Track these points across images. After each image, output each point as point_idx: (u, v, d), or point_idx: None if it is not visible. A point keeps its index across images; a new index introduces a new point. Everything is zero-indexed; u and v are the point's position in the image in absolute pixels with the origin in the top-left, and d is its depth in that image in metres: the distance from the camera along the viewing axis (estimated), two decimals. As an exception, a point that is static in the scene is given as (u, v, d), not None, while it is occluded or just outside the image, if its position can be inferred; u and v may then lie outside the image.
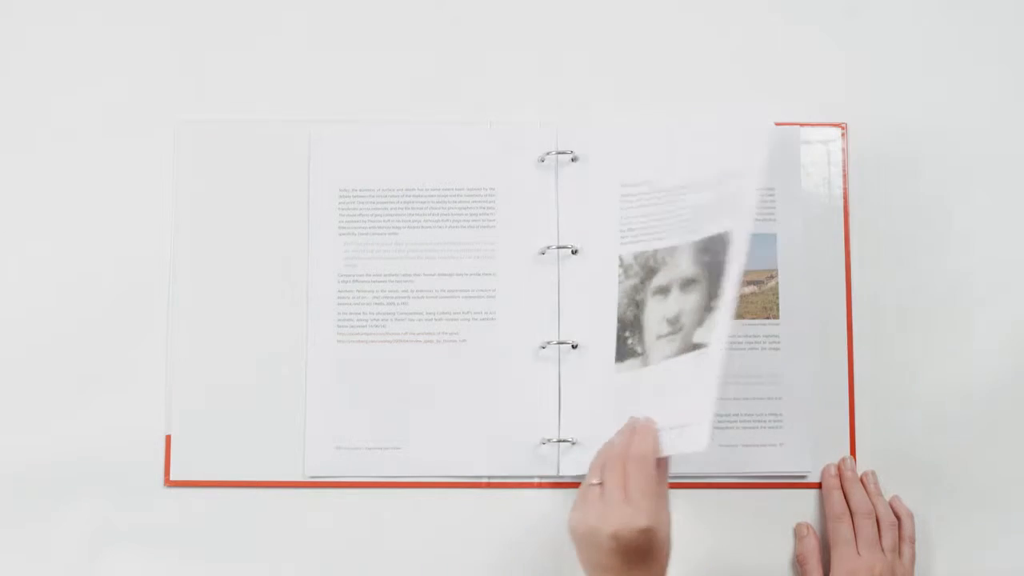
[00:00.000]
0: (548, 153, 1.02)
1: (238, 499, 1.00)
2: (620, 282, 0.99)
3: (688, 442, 0.89)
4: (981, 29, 1.06)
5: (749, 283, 1.01)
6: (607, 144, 1.02)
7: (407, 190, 1.02)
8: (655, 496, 0.86)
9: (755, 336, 1.01)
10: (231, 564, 1.00)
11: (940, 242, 1.03)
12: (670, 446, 0.89)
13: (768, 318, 1.01)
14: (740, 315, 1.01)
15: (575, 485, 1.00)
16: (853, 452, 1.01)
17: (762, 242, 1.01)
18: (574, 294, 1.01)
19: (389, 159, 1.02)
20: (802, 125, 1.04)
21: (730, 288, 0.89)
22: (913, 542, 0.98)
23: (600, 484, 0.87)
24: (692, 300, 0.93)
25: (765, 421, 1.00)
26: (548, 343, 1.00)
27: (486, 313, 1.01)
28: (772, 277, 1.01)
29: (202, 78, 1.04)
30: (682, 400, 0.91)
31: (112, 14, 1.04)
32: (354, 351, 1.00)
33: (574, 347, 1.00)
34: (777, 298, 1.01)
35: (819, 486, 1.00)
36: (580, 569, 0.88)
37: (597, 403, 0.99)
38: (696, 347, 0.91)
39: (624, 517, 0.84)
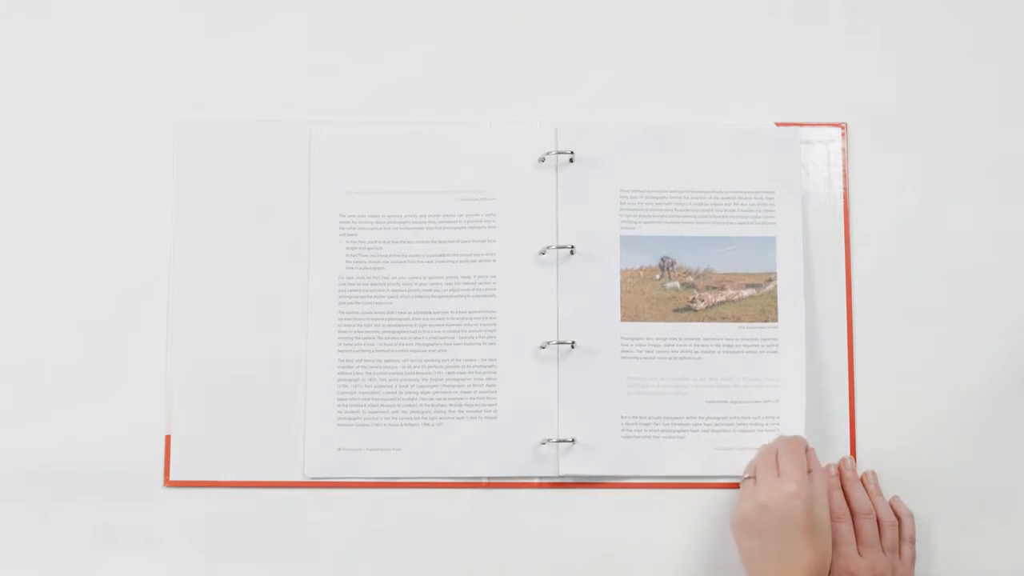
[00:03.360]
0: (548, 153, 1.02)
1: (238, 499, 1.00)
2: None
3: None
4: (982, 28, 1.06)
5: (748, 286, 1.01)
6: (607, 145, 1.02)
7: (407, 190, 1.02)
8: (805, 470, 0.92)
9: (753, 339, 1.01)
10: (231, 564, 1.00)
11: (940, 242, 1.03)
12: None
13: (767, 321, 1.01)
14: (738, 318, 1.01)
15: (575, 485, 1.00)
16: (853, 452, 1.01)
17: (761, 245, 1.01)
18: (573, 294, 1.01)
19: (389, 159, 1.02)
20: (802, 125, 1.04)
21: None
22: (913, 542, 0.98)
23: (752, 477, 0.94)
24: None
25: (763, 424, 1.00)
26: (548, 343, 1.00)
27: (486, 313, 1.01)
28: (771, 280, 1.01)
29: (202, 78, 1.04)
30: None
31: (111, 14, 1.04)
32: (354, 351, 1.00)
33: (573, 347, 1.00)
34: (775, 301, 1.01)
35: (819, 486, 1.01)
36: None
37: (598, 400, 1.00)
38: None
39: (773, 487, 0.91)
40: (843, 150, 1.04)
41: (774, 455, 0.95)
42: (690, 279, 1.01)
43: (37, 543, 1.00)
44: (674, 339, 1.01)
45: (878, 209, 1.03)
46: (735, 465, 1.00)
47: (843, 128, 1.04)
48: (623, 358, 1.00)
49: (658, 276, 1.01)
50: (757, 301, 1.01)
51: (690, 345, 1.00)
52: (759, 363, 1.00)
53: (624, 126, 1.03)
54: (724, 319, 1.01)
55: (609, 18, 1.05)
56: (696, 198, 1.02)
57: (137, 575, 1.00)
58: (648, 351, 1.00)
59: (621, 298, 1.01)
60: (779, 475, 0.93)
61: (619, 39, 1.05)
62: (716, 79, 1.05)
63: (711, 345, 1.00)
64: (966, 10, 1.06)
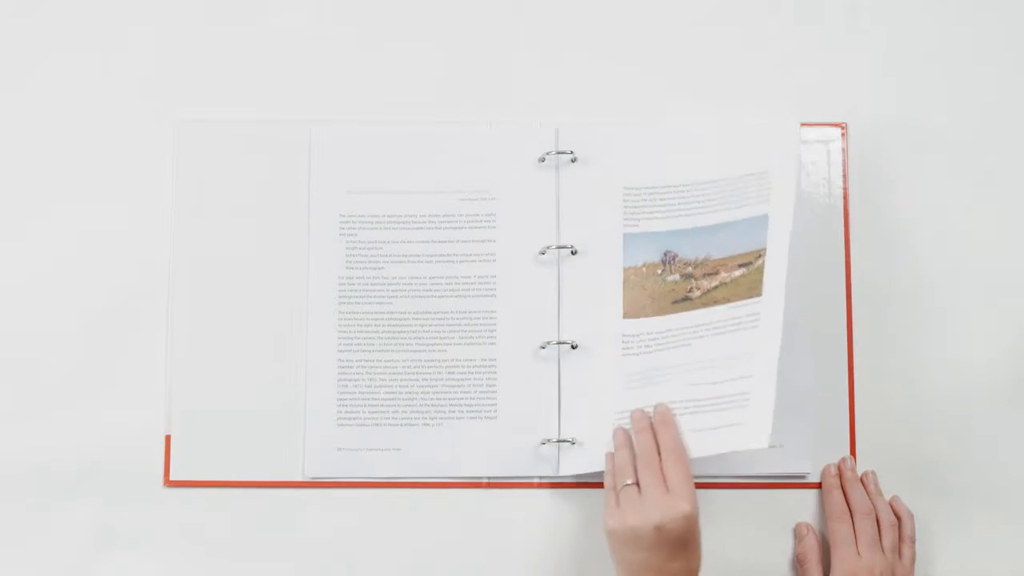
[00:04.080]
0: (548, 153, 1.02)
1: (238, 499, 1.00)
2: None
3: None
4: (981, 28, 1.06)
5: (740, 266, 0.98)
6: (607, 145, 1.02)
7: (407, 190, 1.02)
8: (691, 483, 0.89)
9: (738, 317, 0.96)
10: (231, 564, 1.00)
11: (940, 241, 1.03)
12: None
13: (751, 296, 0.96)
14: (728, 299, 0.97)
15: (575, 485, 1.00)
16: (853, 452, 1.01)
17: (753, 224, 0.97)
18: (574, 294, 1.01)
19: (389, 159, 1.02)
20: (802, 125, 1.03)
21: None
22: (913, 542, 0.98)
23: (635, 483, 0.90)
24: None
25: (734, 402, 0.94)
26: (548, 343, 1.00)
27: (486, 313, 1.01)
28: (760, 256, 0.97)
29: (202, 78, 1.04)
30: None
31: (111, 13, 1.04)
32: (354, 351, 1.00)
33: (574, 347, 1.00)
34: (762, 276, 0.96)
35: (819, 486, 1.00)
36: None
37: (598, 400, 0.99)
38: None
39: (667, 508, 0.87)
40: (843, 150, 1.04)
41: (657, 461, 0.91)
42: (689, 270, 0.99)
43: (37, 543, 1.00)
44: (669, 330, 0.98)
45: (878, 209, 1.03)
46: (739, 463, 0.99)
47: (843, 128, 1.04)
48: (624, 355, 0.99)
49: (660, 271, 1.00)
50: (747, 279, 0.97)
51: (684, 334, 0.98)
52: (740, 340, 0.96)
53: (624, 126, 1.03)
54: (716, 303, 0.98)
55: (609, 18, 1.05)
56: (698, 189, 1.00)
57: (137, 575, 1.00)
58: (646, 346, 0.99)
59: (624, 296, 1.00)
60: (669, 491, 0.88)
61: (619, 39, 1.05)
62: (716, 78, 1.05)
63: (701, 330, 0.97)
64: (966, 10, 1.06)
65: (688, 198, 1.00)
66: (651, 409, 0.95)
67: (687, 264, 0.99)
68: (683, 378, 0.96)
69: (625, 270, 1.01)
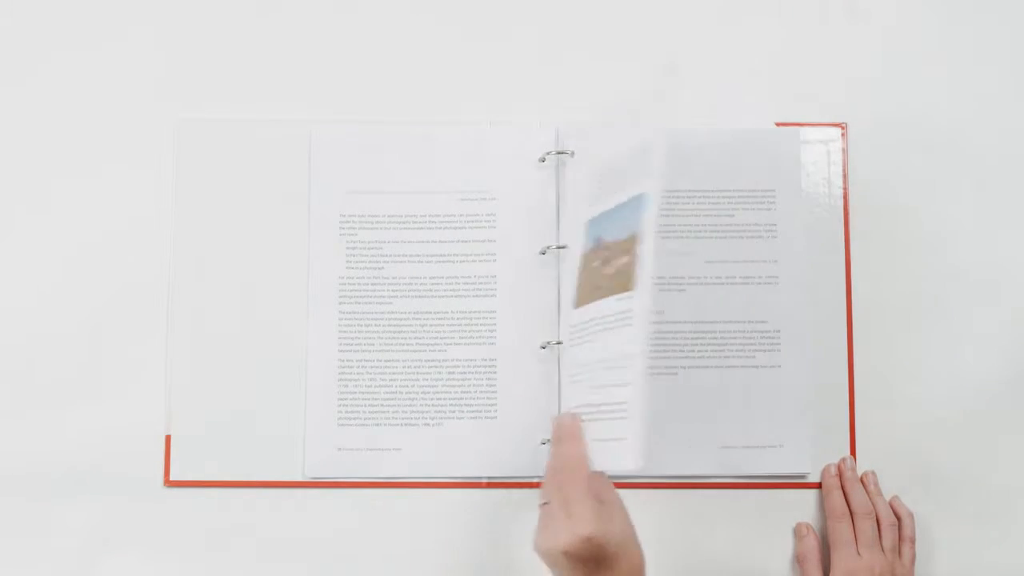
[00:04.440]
0: (548, 153, 1.02)
1: (238, 499, 1.00)
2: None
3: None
4: (981, 28, 1.06)
5: (625, 252, 0.87)
6: (607, 145, 1.01)
7: (407, 190, 1.02)
8: (594, 500, 0.83)
9: (622, 312, 0.86)
10: (231, 564, 1.00)
11: (939, 242, 1.03)
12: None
13: (628, 290, 0.86)
14: (614, 290, 0.87)
15: (575, 485, 1.00)
16: (853, 452, 1.01)
17: (637, 205, 0.87)
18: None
19: (389, 159, 1.02)
20: (802, 125, 1.04)
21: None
22: (913, 542, 0.98)
23: (547, 503, 0.86)
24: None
25: (621, 413, 0.87)
26: (548, 343, 1.00)
27: (486, 313, 1.01)
28: (637, 243, 0.86)
29: (202, 78, 1.04)
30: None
31: (112, 12, 1.04)
32: (354, 351, 1.00)
33: (574, 347, 1.00)
34: (635, 266, 0.85)
35: (819, 486, 1.01)
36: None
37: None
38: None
39: (568, 533, 0.82)
40: (843, 150, 1.04)
41: (560, 479, 0.85)
42: (605, 254, 0.90)
43: (37, 543, 1.00)
44: (582, 322, 0.91)
45: (878, 209, 1.03)
46: (739, 463, 0.99)
47: (843, 128, 1.04)
48: (571, 347, 0.94)
49: (591, 256, 0.92)
50: (629, 269, 0.86)
51: (589, 327, 0.91)
52: (624, 338, 0.86)
53: (623, 126, 1.03)
54: (610, 293, 0.88)
55: (609, 18, 1.05)
56: (617, 164, 0.91)
57: (137, 575, 1.00)
58: (572, 339, 0.93)
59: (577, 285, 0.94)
60: (569, 515, 0.82)
61: (619, 39, 1.05)
62: (716, 79, 1.05)
63: (598, 324, 0.90)
64: (966, 10, 1.06)
65: (614, 175, 0.92)
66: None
67: (606, 248, 0.91)
68: (588, 379, 0.91)
69: (582, 257, 0.93)
